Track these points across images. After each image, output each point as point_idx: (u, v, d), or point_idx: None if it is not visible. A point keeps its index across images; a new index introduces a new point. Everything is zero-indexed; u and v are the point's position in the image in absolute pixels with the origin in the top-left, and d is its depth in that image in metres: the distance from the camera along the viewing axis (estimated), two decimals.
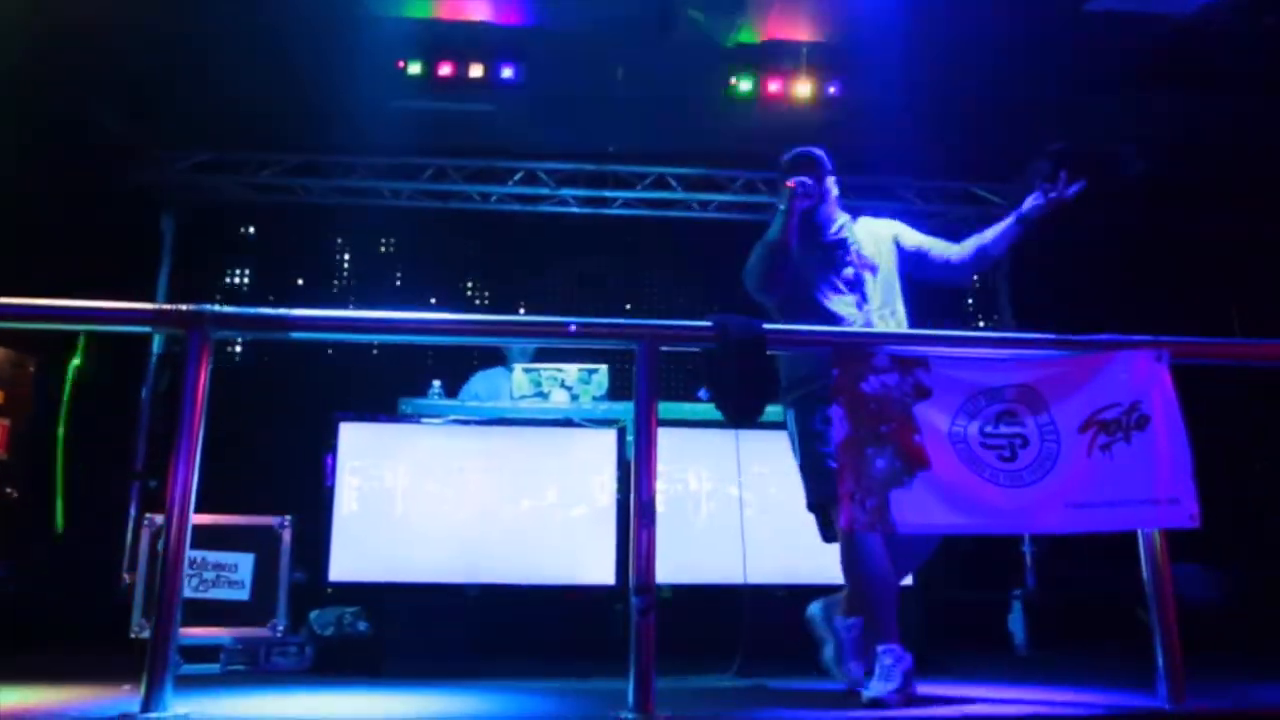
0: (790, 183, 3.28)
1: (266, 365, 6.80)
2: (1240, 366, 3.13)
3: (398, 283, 7.41)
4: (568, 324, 2.71)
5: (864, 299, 3.30)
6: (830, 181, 3.45)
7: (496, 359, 5.77)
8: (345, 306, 7.31)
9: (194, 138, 6.80)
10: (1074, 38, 5.60)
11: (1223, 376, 3.46)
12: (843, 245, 3.40)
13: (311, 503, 4.40)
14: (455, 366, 5.97)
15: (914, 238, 3.56)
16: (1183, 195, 6.92)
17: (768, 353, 2.68)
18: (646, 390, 2.57)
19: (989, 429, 2.68)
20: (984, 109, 6.37)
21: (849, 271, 3.35)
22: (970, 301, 7.68)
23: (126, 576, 4.52)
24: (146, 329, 2.70)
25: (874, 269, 3.38)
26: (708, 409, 3.81)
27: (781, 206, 3.26)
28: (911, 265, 3.51)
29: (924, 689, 3.45)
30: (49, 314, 2.56)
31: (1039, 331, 2.94)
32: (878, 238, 3.49)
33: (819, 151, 3.45)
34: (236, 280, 7.26)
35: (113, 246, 6.50)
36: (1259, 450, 6.20)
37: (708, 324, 2.67)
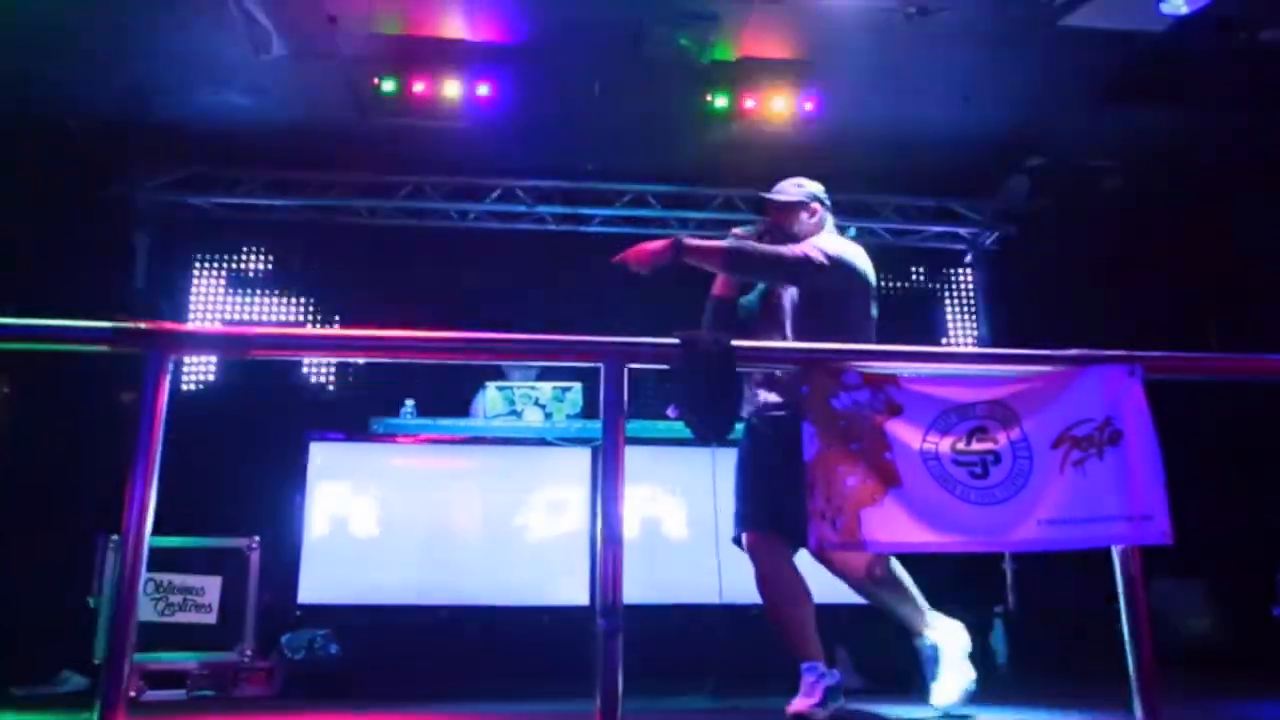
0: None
1: (236, 384, 6.72)
2: (1214, 381, 3.12)
3: (373, 301, 7.34)
4: (533, 343, 2.67)
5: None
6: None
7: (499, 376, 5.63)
8: (323, 325, 7.24)
9: (167, 154, 6.74)
10: (1050, 54, 5.62)
11: (1199, 391, 3.46)
12: None
13: (281, 523, 4.33)
14: (428, 385, 5.90)
15: None
16: (1160, 210, 6.95)
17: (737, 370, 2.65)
18: (613, 409, 2.53)
19: (961, 445, 2.64)
20: (960, 125, 6.39)
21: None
22: (946, 317, 7.68)
23: (92, 600, 4.44)
24: (103, 348, 2.63)
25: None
26: (684, 427, 3.78)
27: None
28: None
29: (903, 709, 3.42)
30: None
31: (1014, 347, 2.92)
32: None
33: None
34: (211, 299, 7.18)
35: (85, 264, 6.42)
36: (1235, 465, 6.20)
37: (675, 341, 2.63)
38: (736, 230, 3.53)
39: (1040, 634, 5.67)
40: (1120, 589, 2.65)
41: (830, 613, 4.38)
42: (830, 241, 3.36)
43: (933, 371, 2.77)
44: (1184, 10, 5.00)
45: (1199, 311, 6.88)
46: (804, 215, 3.50)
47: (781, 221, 3.48)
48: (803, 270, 3.21)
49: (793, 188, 3.56)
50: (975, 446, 2.64)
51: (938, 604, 5.14)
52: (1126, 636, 2.61)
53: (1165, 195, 6.85)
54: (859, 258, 3.37)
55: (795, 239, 3.39)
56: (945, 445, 2.63)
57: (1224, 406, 5.58)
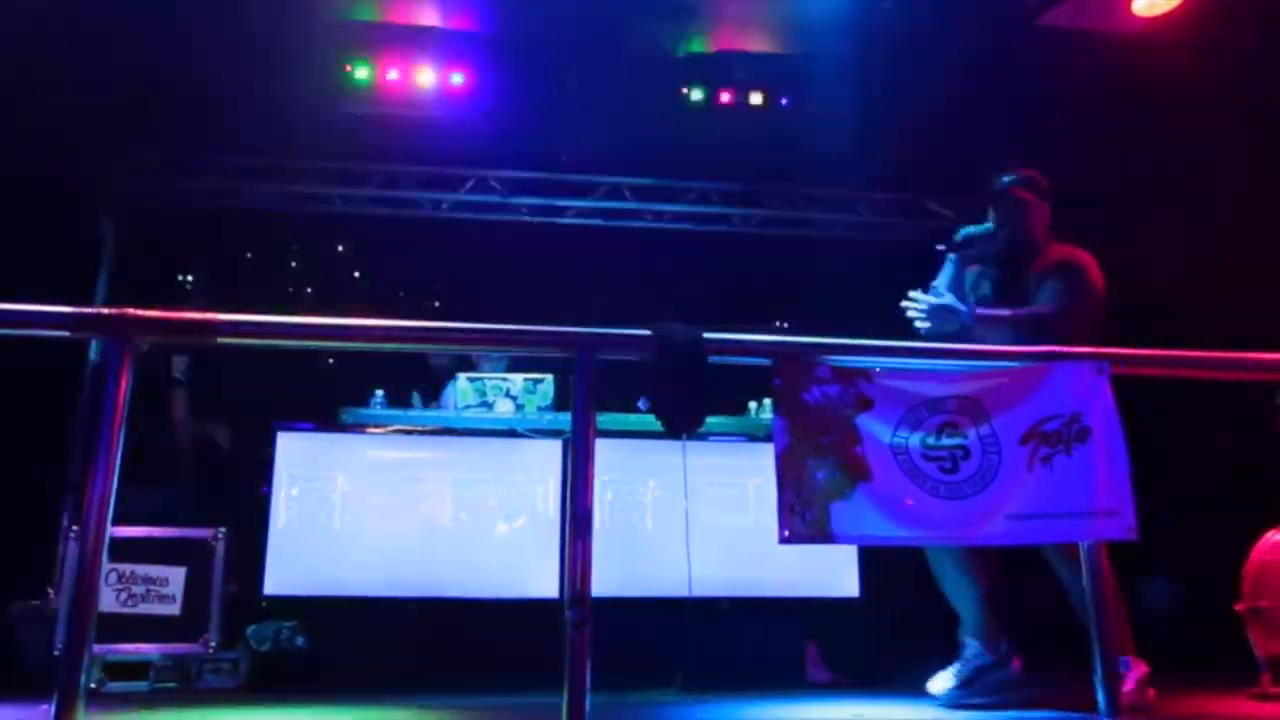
0: None
1: (203, 372, 6.64)
2: (1180, 378, 3.13)
3: (348, 289, 7.29)
4: (504, 332, 2.65)
5: None
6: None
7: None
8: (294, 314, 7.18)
9: (137, 137, 6.63)
10: (1027, 53, 5.64)
11: (1165, 388, 3.48)
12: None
13: (247, 514, 4.29)
14: (399, 375, 5.85)
15: None
16: (1133, 210, 6.99)
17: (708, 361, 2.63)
18: (583, 400, 2.51)
19: (931, 440, 2.65)
20: (937, 123, 6.40)
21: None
22: None
23: (51, 592, 4.38)
24: (64, 334, 2.58)
25: None
26: (655, 419, 3.76)
27: None
28: None
29: (872, 703, 3.43)
30: None
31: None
32: None
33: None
34: (180, 288, 7.10)
35: (47, 250, 6.30)
36: (1199, 460, 6.26)
37: (647, 332, 2.61)
38: (967, 232, 3.69)
39: (1011, 628, 5.69)
40: (1086, 583, 2.67)
41: (799, 606, 4.42)
42: (1071, 269, 3.52)
43: (904, 366, 2.77)
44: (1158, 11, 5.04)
45: (1173, 309, 6.92)
46: (1037, 211, 3.69)
47: (1015, 219, 3.65)
48: (1055, 325, 3.33)
49: (1023, 186, 3.72)
50: (945, 441, 2.65)
51: (906, 597, 5.18)
52: (1092, 632, 2.63)
53: (1141, 195, 6.89)
54: (1094, 275, 3.53)
55: (1027, 235, 3.63)
56: (915, 440, 2.64)
57: (1189, 402, 5.62)
